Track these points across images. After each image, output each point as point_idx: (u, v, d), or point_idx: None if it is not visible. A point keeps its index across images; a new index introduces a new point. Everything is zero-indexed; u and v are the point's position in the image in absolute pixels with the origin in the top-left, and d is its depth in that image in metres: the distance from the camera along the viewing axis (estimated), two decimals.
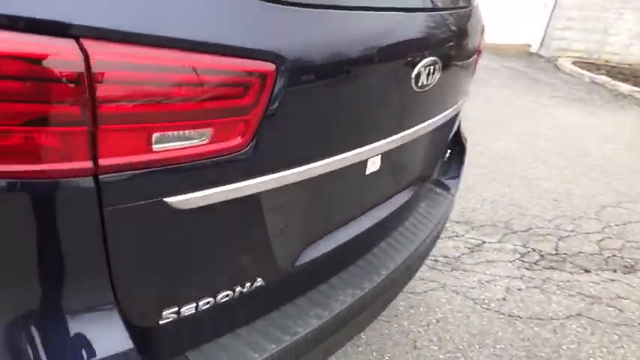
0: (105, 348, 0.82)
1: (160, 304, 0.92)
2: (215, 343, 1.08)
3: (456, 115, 1.69)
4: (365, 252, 1.48)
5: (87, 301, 0.81)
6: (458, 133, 2.02)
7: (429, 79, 1.21)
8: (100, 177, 0.73)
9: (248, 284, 1.06)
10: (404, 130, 1.26)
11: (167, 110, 0.75)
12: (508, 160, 4.29)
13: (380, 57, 1.05)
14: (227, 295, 1.02)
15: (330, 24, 0.97)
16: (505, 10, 9.20)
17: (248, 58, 0.82)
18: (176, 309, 0.95)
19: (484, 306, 2.42)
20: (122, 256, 0.81)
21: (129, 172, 0.75)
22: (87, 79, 0.67)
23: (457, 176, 2.00)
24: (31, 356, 0.76)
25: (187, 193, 0.82)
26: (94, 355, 0.80)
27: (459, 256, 2.81)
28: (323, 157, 1.03)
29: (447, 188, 1.98)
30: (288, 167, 0.96)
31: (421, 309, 2.34)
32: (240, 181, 0.89)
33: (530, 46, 9.88)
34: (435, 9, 1.29)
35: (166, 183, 0.80)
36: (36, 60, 0.64)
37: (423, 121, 1.35)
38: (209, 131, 0.81)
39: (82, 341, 0.80)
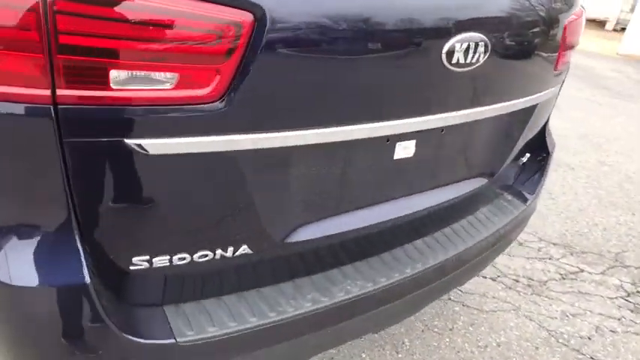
0: (60, 277, 0.84)
1: (128, 248, 0.93)
2: (196, 304, 1.06)
3: (532, 111, 1.47)
4: (393, 245, 1.36)
5: (47, 228, 0.84)
6: (543, 135, 1.77)
7: (470, 59, 1.06)
8: (59, 107, 0.75)
9: (231, 249, 1.02)
10: (436, 113, 1.12)
11: (127, 49, 0.74)
12: (638, 186, 3.71)
13: (395, 20, 0.94)
14: (206, 256, 1.00)
15: None
16: None
17: (223, 4, 0.78)
18: (147, 258, 0.94)
19: (561, 340, 2.11)
20: (83, 189, 0.83)
21: (87, 107, 0.76)
22: (44, 7, 0.69)
23: (534, 191, 1.75)
24: None
25: (151, 138, 0.81)
26: (47, 281, 0.83)
27: (545, 281, 2.49)
28: (317, 126, 0.95)
29: (521, 198, 1.75)
30: (272, 130, 0.90)
31: (482, 328, 2.12)
32: (211, 134, 0.85)
33: None
34: None
35: (127, 124, 0.79)
36: None
37: (468, 107, 1.19)
38: (174, 76, 0.79)
39: (38, 266, 0.84)
